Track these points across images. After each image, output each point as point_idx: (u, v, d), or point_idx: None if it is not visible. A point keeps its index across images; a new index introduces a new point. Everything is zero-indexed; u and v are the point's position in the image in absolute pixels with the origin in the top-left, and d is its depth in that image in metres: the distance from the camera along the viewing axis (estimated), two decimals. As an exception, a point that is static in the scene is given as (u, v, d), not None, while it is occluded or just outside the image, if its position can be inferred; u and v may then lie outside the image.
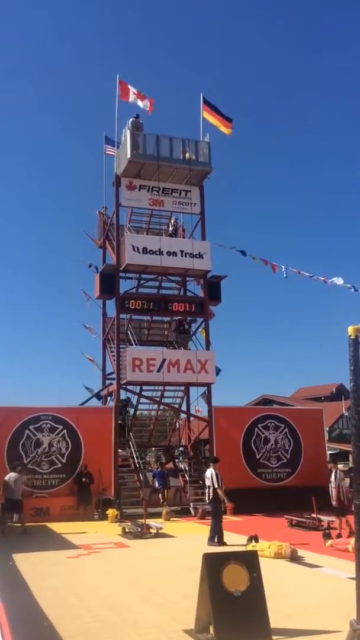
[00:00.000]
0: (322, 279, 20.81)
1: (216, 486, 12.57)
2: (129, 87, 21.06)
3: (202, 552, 6.32)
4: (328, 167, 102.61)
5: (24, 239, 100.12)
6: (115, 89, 21.31)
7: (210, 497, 12.69)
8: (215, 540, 12.29)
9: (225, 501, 13.15)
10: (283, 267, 21.58)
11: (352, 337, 4.55)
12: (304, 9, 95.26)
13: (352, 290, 19.79)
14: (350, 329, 4.56)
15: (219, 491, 12.59)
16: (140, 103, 20.92)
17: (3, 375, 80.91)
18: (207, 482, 12.74)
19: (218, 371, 21.17)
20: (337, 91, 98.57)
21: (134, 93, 20.95)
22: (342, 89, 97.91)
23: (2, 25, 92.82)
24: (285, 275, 21.33)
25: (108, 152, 22.76)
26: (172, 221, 22.23)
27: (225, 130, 21.56)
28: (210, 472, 12.80)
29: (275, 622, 6.04)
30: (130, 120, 20.94)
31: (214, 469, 12.86)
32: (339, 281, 20.14)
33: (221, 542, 12.21)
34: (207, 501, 12.70)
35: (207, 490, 12.90)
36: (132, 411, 21.92)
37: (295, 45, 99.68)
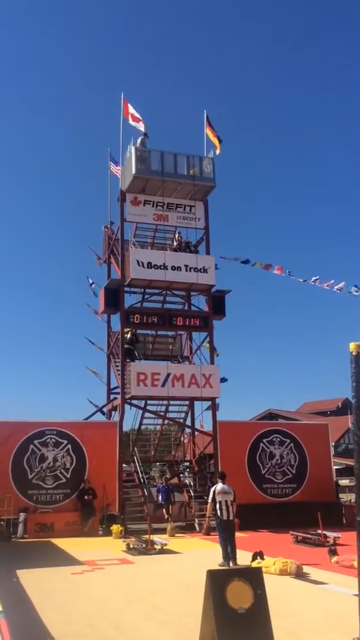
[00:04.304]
0: (327, 285, 21.41)
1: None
2: (129, 106, 21.28)
3: (207, 569, 6.28)
4: (333, 180, 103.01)
5: (29, 255, 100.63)
6: (120, 106, 21.61)
7: (235, 512, 12.25)
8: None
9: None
10: (288, 272, 22.08)
11: (353, 353, 4.56)
12: (306, 23, 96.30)
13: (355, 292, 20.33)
14: (352, 346, 4.58)
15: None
16: (133, 123, 21.08)
17: (8, 390, 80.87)
18: (229, 498, 12.10)
19: (224, 380, 21.19)
20: (341, 104, 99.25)
21: (131, 114, 21.15)
22: (345, 101, 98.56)
23: (9, 40, 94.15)
24: (289, 273, 21.88)
25: (112, 171, 22.98)
26: (176, 236, 22.37)
27: (217, 148, 21.82)
28: (230, 488, 12.31)
29: (279, 639, 5.99)
30: (140, 138, 21.13)
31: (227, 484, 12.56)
32: (339, 285, 20.84)
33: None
34: (232, 517, 12.21)
35: (227, 507, 11.96)
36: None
37: (298, 58, 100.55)
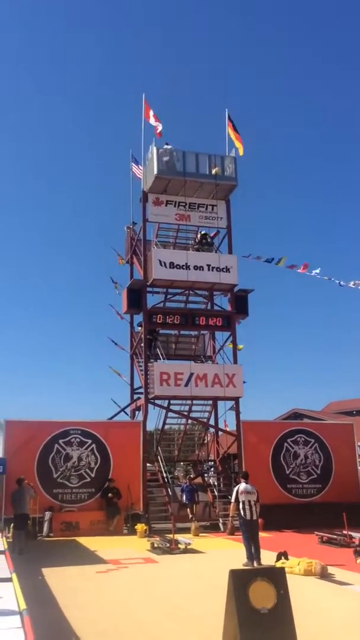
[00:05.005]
0: (354, 284, 21.06)
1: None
2: (150, 108, 21.36)
3: (230, 569, 6.26)
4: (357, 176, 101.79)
5: (53, 255, 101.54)
6: (141, 107, 21.71)
7: (258, 511, 12.17)
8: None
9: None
10: (314, 271, 21.83)
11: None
12: (328, 27, 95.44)
13: None
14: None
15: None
16: (157, 126, 21.12)
17: (32, 391, 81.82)
18: (253, 498, 12.04)
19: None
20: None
21: (153, 116, 21.22)
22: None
23: (32, 46, 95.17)
24: (317, 274, 21.77)
25: (134, 171, 23.07)
26: (197, 235, 22.39)
27: (239, 149, 21.77)
28: (253, 487, 12.25)
29: (303, 640, 5.95)
30: (168, 149, 21.04)
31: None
32: None
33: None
34: (255, 517, 12.15)
35: (251, 507, 11.88)
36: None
37: (318, 59, 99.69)
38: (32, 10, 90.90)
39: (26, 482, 15.20)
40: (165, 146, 21.06)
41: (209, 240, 22.00)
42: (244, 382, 20.56)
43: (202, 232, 22.11)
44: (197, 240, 22.11)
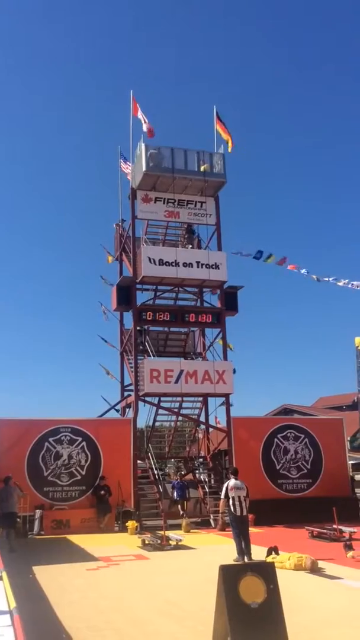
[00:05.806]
0: (343, 282, 21.16)
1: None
2: (138, 106, 21.28)
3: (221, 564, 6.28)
4: (350, 177, 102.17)
5: (41, 253, 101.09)
6: (129, 104, 21.63)
7: (248, 507, 12.21)
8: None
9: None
10: (304, 270, 21.96)
11: (359, 347, 4.54)
12: (318, 25, 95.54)
13: None
14: (358, 340, 4.55)
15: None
16: (143, 126, 21.05)
17: (21, 389, 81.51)
18: (242, 493, 12.12)
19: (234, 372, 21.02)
20: (353, 100, 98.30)
21: (141, 115, 21.14)
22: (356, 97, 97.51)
23: (16, 36, 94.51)
24: (306, 272, 21.92)
25: (122, 169, 23.01)
26: (183, 231, 22.41)
27: (228, 142, 21.81)
28: (243, 483, 12.31)
29: (293, 634, 5.97)
30: (152, 151, 20.93)
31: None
32: (357, 282, 20.61)
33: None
34: (245, 513, 12.21)
35: (240, 502, 11.95)
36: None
37: (309, 56, 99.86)
38: (25, 6, 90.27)
39: (13, 481, 15.15)
40: (152, 151, 20.88)
41: (189, 227, 22.10)
42: (235, 371, 20.59)
43: (185, 228, 22.23)
44: (185, 236, 22.18)
